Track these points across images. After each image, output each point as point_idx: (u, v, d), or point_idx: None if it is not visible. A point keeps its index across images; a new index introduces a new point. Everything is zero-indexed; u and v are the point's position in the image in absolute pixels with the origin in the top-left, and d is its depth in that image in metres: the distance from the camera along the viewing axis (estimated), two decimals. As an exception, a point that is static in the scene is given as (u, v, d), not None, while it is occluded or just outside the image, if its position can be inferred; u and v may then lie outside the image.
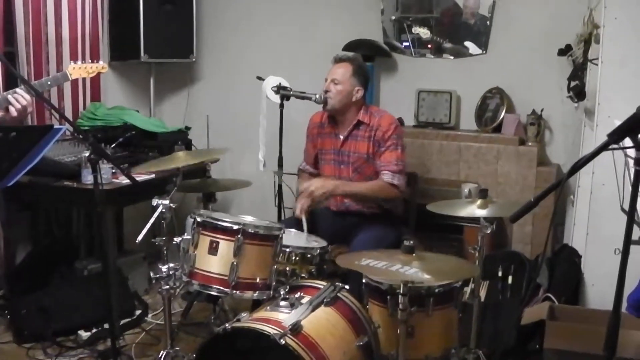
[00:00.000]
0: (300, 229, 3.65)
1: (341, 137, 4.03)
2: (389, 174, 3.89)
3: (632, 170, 1.96)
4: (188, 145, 4.86)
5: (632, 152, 1.96)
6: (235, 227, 2.91)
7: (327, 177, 4.05)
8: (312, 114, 4.21)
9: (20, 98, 3.10)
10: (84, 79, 4.86)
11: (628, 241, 1.99)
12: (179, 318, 4.20)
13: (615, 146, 1.98)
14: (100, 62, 3.80)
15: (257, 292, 2.96)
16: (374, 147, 3.93)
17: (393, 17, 5.22)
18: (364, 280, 3.09)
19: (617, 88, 3.69)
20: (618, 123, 1.96)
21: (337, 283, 3.03)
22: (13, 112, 3.08)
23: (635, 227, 2.13)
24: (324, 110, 4.02)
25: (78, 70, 3.64)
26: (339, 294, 2.94)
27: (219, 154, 4.45)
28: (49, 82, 3.51)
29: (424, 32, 5.08)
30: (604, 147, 1.98)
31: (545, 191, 2.19)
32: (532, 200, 2.18)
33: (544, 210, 4.36)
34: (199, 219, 3.00)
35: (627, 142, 1.95)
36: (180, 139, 4.72)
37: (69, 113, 4.74)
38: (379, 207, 4.01)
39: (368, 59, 5.03)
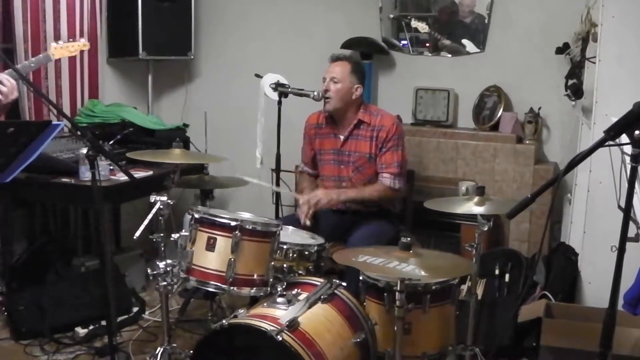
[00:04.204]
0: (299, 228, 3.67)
1: (341, 137, 4.03)
2: (389, 177, 3.91)
3: (629, 167, 1.96)
4: (186, 143, 4.86)
5: (628, 149, 1.96)
6: (233, 223, 2.91)
7: (327, 177, 4.08)
8: (309, 115, 4.21)
9: (4, 80, 3.08)
10: (81, 76, 4.86)
11: (624, 238, 1.99)
12: (176, 315, 4.21)
13: (611, 143, 1.98)
14: (82, 40, 3.77)
15: (254, 288, 2.96)
16: (376, 147, 3.94)
17: (391, 15, 5.21)
18: (361, 277, 3.10)
19: (615, 86, 3.69)
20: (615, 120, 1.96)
21: (334, 280, 3.04)
22: None
23: (631, 224, 2.14)
24: (325, 111, 4.02)
25: (60, 50, 3.63)
26: (336, 291, 2.95)
27: (215, 160, 4.43)
28: (32, 64, 3.51)
29: (422, 27, 5.07)
30: (600, 144, 1.99)
31: (542, 187, 2.19)
32: (529, 196, 2.18)
33: (541, 207, 4.37)
34: (196, 216, 2.99)
35: (624, 138, 1.95)
36: (178, 136, 4.72)
37: (66, 110, 4.74)
38: (377, 205, 4.02)
39: (366, 56, 5.04)
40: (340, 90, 3.92)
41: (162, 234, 3.14)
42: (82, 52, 4.77)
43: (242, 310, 2.82)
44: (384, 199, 3.97)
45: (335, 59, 4.01)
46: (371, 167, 3.98)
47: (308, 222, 3.73)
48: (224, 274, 2.89)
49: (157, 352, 3.20)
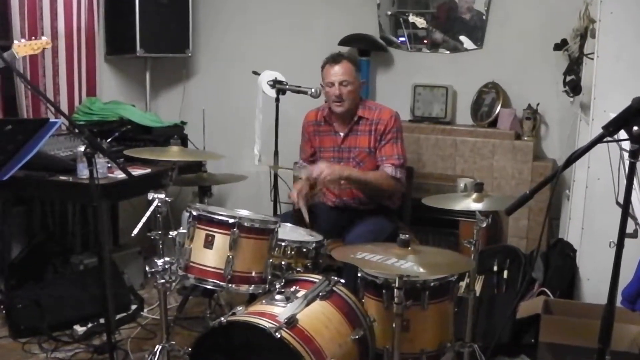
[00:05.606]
0: (298, 224, 3.65)
1: (341, 134, 4.03)
2: (390, 167, 3.90)
3: (627, 163, 1.96)
4: (184, 140, 4.85)
5: (626, 145, 1.95)
6: (231, 220, 2.90)
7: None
8: (306, 112, 4.20)
9: None
10: (79, 73, 4.86)
11: (622, 234, 1.99)
12: (174, 312, 4.19)
13: (610, 139, 1.97)
14: (44, 38, 3.83)
15: (253, 285, 2.95)
16: (375, 140, 3.95)
17: (389, 12, 5.20)
18: (359, 274, 3.10)
19: (613, 82, 3.69)
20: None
21: (332, 277, 3.03)
22: None
23: (629, 220, 2.14)
24: (337, 113, 3.98)
25: (23, 47, 3.72)
26: (334, 288, 2.94)
27: (213, 158, 4.43)
28: None
29: (420, 22, 5.06)
30: (599, 140, 1.98)
31: (541, 183, 2.19)
32: (527, 193, 2.18)
33: (539, 204, 4.37)
34: (194, 213, 2.98)
35: (623, 134, 1.95)
36: (176, 133, 4.69)
37: (64, 108, 4.73)
38: (376, 202, 4.01)
39: (364, 53, 5.04)
40: (353, 92, 3.92)
41: (160, 232, 3.13)
42: (79, 49, 4.82)
43: (241, 308, 2.82)
44: (387, 188, 3.95)
45: (336, 60, 3.94)
46: (372, 161, 3.98)
47: (301, 202, 3.81)
48: (222, 272, 2.88)
49: (155, 349, 3.19)
